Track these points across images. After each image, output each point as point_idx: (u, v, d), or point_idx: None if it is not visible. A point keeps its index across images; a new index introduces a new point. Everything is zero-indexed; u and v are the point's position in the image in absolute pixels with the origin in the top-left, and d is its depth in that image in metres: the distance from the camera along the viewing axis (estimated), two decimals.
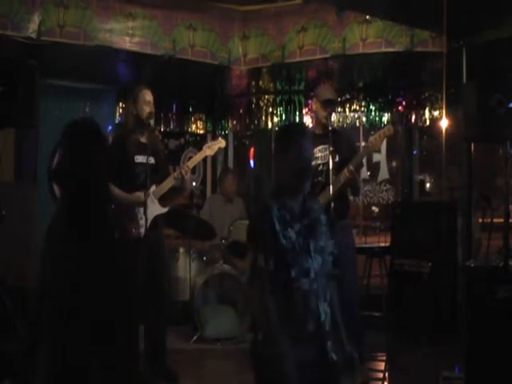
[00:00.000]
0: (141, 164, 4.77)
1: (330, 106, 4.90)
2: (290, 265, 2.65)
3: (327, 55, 6.33)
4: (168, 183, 4.89)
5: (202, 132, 8.47)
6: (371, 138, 4.72)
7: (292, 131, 2.91)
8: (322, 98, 4.85)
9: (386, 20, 5.87)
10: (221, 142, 5.16)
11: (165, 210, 4.92)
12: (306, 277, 2.68)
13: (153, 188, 4.84)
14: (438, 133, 6.92)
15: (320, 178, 4.72)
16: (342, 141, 4.85)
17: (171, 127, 8.17)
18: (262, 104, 8.02)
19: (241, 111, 8.21)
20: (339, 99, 7.12)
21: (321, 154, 4.82)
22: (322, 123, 4.86)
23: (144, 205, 4.63)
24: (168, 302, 5.20)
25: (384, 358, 5.31)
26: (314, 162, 4.88)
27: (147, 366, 4.85)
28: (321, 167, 4.75)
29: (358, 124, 7.70)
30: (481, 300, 4.27)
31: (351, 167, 4.64)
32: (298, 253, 2.68)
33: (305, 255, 2.70)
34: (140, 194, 4.68)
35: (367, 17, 6.01)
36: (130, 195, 4.75)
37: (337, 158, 4.72)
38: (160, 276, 4.93)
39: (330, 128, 4.72)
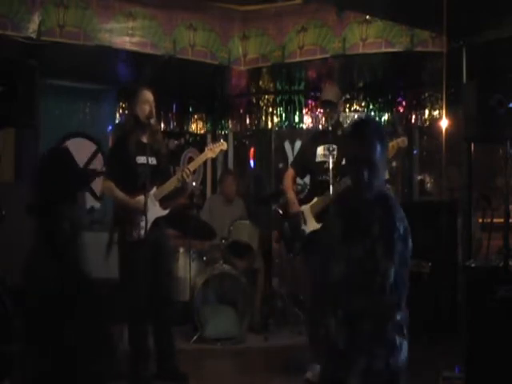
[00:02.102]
0: (142, 165, 4.76)
1: (328, 106, 4.96)
2: None
3: (327, 55, 6.33)
4: (170, 185, 4.87)
5: (202, 132, 8.48)
6: None
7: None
8: (322, 99, 4.96)
9: (386, 20, 5.87)
10: (222, 145, 5.15)
11: (166, 212, 4.90)
12: None
13: (154, 189, 4.83)
14: (437, 133, 6.92)
15: (325, 177, 4.74)
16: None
17: (171, 127, 8.18)
18: (261, 104, 8.03)
19: (241, 111, 8.22)
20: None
21: (325, 152, 4.85)
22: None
23: (144, 206, 4.63)
24: (173, 303, 5.20)
25: None
26: (318, 160, 4.92)
27: (157, 367, 4.87)
28: (326, 165, 4.77)
29: None
30: (481, 300, 4.27)
31: None
32: None
33: None
34: (142, 199, 4.67)
35: (367, 17, 6.01)
36: (131, 200, 4.73)
37: (343, 162, 4.77)
38: (164, 277, 4.93)
39: (329, 128, 4.77)
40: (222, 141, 5.30)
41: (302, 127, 7.98)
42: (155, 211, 4.82)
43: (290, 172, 5.24)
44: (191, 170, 4.91)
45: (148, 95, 4.85)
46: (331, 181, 4.53)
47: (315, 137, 5.17)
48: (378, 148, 2.73)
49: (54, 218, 2.77)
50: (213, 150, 5.08)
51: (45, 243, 2.77)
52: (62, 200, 2.79)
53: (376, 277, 2.65)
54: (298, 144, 8.08)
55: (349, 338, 2.73)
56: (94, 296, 2.86)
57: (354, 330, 2.72)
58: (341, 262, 2.77)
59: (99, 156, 7.19)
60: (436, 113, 7.21)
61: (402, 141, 4.79)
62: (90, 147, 7.20)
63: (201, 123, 8.44)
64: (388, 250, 2.66)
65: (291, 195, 5.05)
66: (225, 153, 8.47)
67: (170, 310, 4.96)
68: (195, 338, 6.04)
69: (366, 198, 2.77)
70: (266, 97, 8.01)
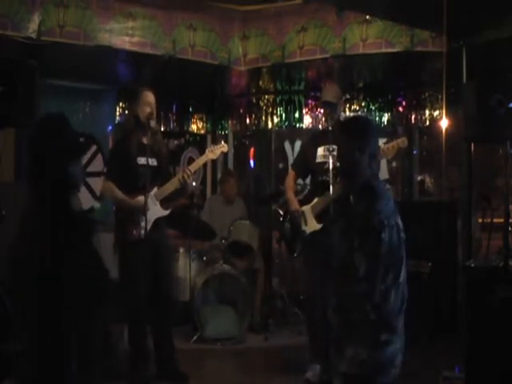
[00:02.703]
0: (143, 166, 4.76)
1: (328, 107, 4.98)
2: None
3: (327, 55, 6.33)
4: (170, 186, 4.87)
5: (202, 132, 8.48)
6: (384, 147, 4.77)
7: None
8: (322, 99, 5.00)
9: (386, 20, 5.87)
10: (223, 147, 5.16)
11: (166, 212, 4.90)
12: None
13: (154, 190, 4.83)
14: (437, 133, 6.92)
15: (325, 177, 4.74)
16: None
17: (171, 127, 8.18)
18: (261, 104, 8.03)
19: (241, 111, 8.22)
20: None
21: (325, 153, 4.85)
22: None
23: (144, 207, 4.63)
24: (173, 303, 5.20)
25: None
26: (319, 161, 4.93)
27: (157, 367, 4.87)
28: (326, 166, 4.78)
29: None
30: (481, 300, 4.27)
31: None
32: None
33: None
34: (142, 199, 4.67)
35: (367, 17, 6.01)
36: (131, 200, 4.74)
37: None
38: (165, 277, 4.93)
39: (329, 128, 4.79)
40: (222, 142, 5.30)
41: (301, 127, 7.98)
42: (156, 211, 4.82)
43: (291, 174, 5.26)
44: (192, 171, 4.91)
45: (150, 96, 4.85)
46: (331, 181, 4.53)
47: (315, 137, 5.18)
48: (359, 144, 2.82)
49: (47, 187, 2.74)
50: (213, 152, 5.09)
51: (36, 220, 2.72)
52: (57, 169, 2.76)
53: (349, 267, 2.76)
54: (297, 144, 8.08)
55: (335, 329, 2.89)
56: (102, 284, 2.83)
57: (339, 320, 2.87)
58: (330, 256, 2.91)
59: (99, 156, 7.19)
60: (436, 113, 7.21)
61: (402, 141, 4.80)
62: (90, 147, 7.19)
63: (201, 123, 8.44)
64: (359, 240, 2.75)
65: (291, 195, 5.07)
66: (225, 153, 8.48)
67: (169, 310, 4.96)
68: (195, 338, 6.04)
69: (348, 192, 2.89)
70: (266, 97, 8.01)
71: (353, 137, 2.89)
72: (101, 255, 2.95)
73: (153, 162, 4.80)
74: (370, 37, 6.05)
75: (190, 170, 4.89)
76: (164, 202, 4.89)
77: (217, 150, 5.09)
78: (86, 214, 3.01)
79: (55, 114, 2.95)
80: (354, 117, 2.92)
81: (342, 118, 5.26)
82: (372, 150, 2.90)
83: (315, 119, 7.82)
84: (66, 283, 2.60)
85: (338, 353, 2.89)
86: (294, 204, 4.99)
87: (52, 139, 2.77)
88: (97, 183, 6.99)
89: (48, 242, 2.60)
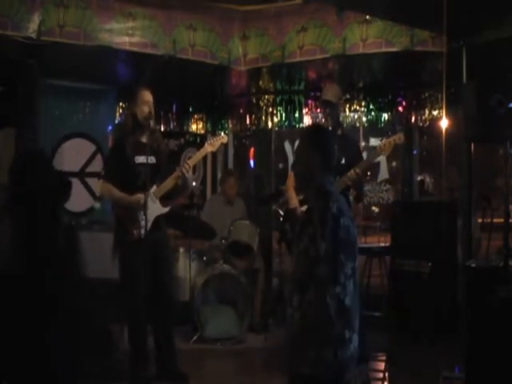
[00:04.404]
0: (141, 164, 4.76)
1: (326, 106, 5.00)
2: None
3: (327, 55, 6.33)
4: (169, 182, 4.87)
5: (202, 132, 8.47)
6: (381, 144, 4.77)
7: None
8: (321, 99, 5.01)
9: (386, 20, 5.87)
10: (223, 138, 5.13)
11: (166, 209, 4.90)
12: None
13: (154, 188, 4.83)
14: (438, 133, 6.92)
15: None
16: (348, 145, 4.95)
17: (171, 127, 8.17)
18: (262, 104, 8.02)
19: (241, 111, 8.21)
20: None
21: None
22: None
23: (144, 206, 4.63)
24: (174, 302, 5.21)
25: (384, 357, 5.32)
26: None
27: (157, 367, 4.87)
28: None
29: (358, 124, 7.70)
30: (481, 300, 4.27)
31: (358, 170, 4.74)
32: None
33: None
34: (141, 196, 4.67)
35: (367, 17, 6.01)
36: (130, 197, 4.74)
37: (343, 161, 4.79)
38: (165, 277, 4.92)
39: (329, 128, 4.80)
40: (222, 134, 5.30)
41: (301, 127, 7.98)
42: (155, 209, 4.82)
43: (292, 174, 5.27)
44: (191, 164, 4.91)
45: (147, 95, 4.85)
46: None
47: None
48: (311, 153, 3.04)
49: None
50: (213, 144, 5.07)
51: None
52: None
53: (311, 254, 2.88)
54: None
55: (295, 330, 2.99)
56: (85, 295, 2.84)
57: (300, 319, 2.95)
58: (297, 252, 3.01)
59: (98, 156, 7.19)
60: (436, 113, 7.20)
61: (398, 137, 4.81)
62: (90, 147, 7.19)
63: (201, 123, 8.43)
64: (319, 228, 2.87)
65: (292, 193, 5.08)
66: (225, 153, 8.49)
67: (170, 310, 4.96)
68: (195, 337, 6.04)
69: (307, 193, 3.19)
70: (266, 97, 8.00)
71: (301, 147, 3.17)
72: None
73: (151, 160, 4.79)
74: (370, 37, 6.05)
75: (188, 164, 4.89)
76: (164, 200, 4.89)
77: (216, 142, 5.07)
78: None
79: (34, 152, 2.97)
80: (311, 127, 3.15)
81: (342, 119, 5.30)
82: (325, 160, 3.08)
83: (315, 119, 7.82)
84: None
85: (297, 355, 2.95)
86: (294, 202, 5.00)
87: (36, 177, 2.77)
88: (96, 183, 7.00)
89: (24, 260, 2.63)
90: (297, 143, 5.38)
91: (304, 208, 5.01)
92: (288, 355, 3.03)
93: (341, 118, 7.66)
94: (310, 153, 3.04)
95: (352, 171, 4.76)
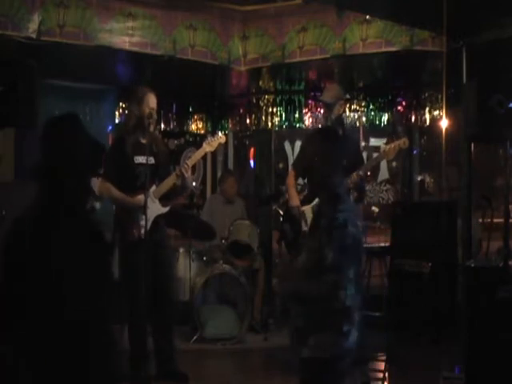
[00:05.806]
0: (141, 165, 4.76)
1: (326, 107, 5.00)
2: None
3: (327, 55, 6.33)
4: (168, 182, 4.87)
5: (201, 132, 8.47)
6: (385, 148, 4.78)
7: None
8: (319, 99, 5.01)
9: (386, 20, 5.87)
10: (221, 138, 5.12)
11: (166, 209, 4.90)
12: None
13: (153, 188, 4.83)
14: (438, 133, 6.92)
15: None
16: (349, 146, 4.96)
17: (171, 127, 8.17)
18: (262, 104, 8.02)
19: (241, 111, 8.21)
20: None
21: None
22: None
23: (144, 206, 4.63)
24: (174, 302, 5.21)
25: (384, 358, 5.32)
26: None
27: (157, 367, 4.86)
28: None
29: (358, 124, 7.71)
30: (481, 300, 4.27)
31: (361, 173, 4.75)
32: None
33: None
34: (141, 198, 4.67)
35: (367, 17, 6.01)
36: (131, 198, 4.74)
37: (344, 162, 4.80)
38: (165, 277, 4.92)
39: (329, 128, 4.82)
40: (220, 134, 5.30)
41: (301, 127, 7.98)
42: (155, 209, 4.82)
43: (292, 173, 5.28)
44: (190, 164, 4.90)
45: (153, 98, 4.83)
46: None
47: (314, 137, 5.20)
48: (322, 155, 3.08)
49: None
50: (211, 144, 5.06)
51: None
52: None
53: (319, 260, 2.95)
54: (298, 144, 8.08)
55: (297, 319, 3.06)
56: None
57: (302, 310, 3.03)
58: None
59: None
60: (436, 113, 7.21)
61: (403, 142, 4.83)
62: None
63: (201, 123, 8.43)
64: (327, 235, 2.96)
65: (293, 191, 5.09)
66: (225, 153, 8.49)
67: (170, 310, 4.96)
68: (195, 337, 6.04)
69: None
70: (266, 97, 8.00)
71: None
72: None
73: (151, 160, 4.79)
74: (369, 37, 6.05)
75: (187, 164, 4.88)
76: (164, 200, 4.89)
77: (214, 142, 5.06)
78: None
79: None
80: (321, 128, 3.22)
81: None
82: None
83: (315, 119, 7.82)
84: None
85: (299, 341, 3.04)
86: (295, 200, 5.00)
87: (68, 143, 2.64)
88: (96, 183, 7.00)
89: (48, 246, 2.55)
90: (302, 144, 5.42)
91: (304, 208, 5.03)
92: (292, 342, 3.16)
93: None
94: (320, 154, 3.09)
95: (355, 174, 4.76)
